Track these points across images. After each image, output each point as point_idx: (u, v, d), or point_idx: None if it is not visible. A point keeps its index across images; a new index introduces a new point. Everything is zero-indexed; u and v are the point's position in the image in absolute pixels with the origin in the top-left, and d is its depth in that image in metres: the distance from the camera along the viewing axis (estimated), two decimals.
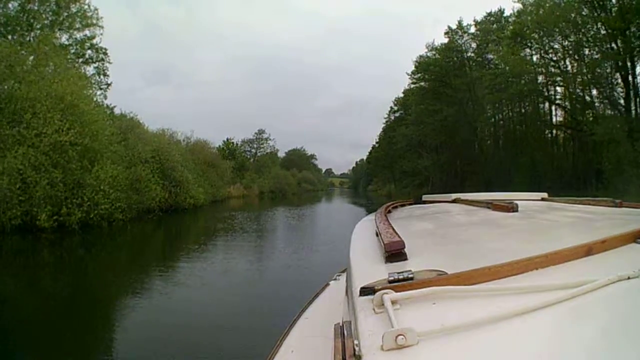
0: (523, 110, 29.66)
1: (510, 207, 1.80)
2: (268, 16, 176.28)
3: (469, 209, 2.20)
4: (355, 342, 0.69)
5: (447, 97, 30.79)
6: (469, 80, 30.10)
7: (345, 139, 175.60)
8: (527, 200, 2.39)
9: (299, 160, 78.13)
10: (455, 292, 0.77)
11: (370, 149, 64.08)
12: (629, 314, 0.72)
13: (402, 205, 2.74)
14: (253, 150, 63.10)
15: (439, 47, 33.79)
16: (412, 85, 36.10)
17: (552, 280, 0.80)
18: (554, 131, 27.92)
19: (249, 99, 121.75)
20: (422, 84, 34.22)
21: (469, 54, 32.40)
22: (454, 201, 2.65)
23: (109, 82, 24.68)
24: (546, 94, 25.74)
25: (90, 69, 24.18)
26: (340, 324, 0.86)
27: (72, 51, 24.04)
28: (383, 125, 51.88)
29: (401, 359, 0.61)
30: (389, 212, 2.21)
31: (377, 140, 57.41)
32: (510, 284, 0.80)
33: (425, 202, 2.96)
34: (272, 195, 50.39)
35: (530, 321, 0.67)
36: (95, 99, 19.83)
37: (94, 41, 24.25)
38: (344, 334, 0.78)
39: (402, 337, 0.62)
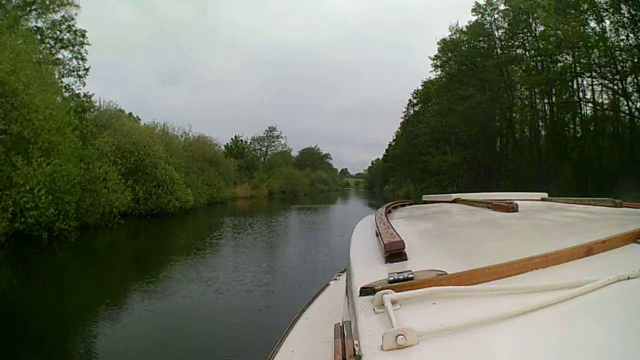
0: (561, 98, 25.32)
1: (510, 207, 1.78)
2: (282, 17, 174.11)
3: (469, 209, 2.19)
4: (355, 342, 0.67)
5: (479, 81, 26.39)
6: (501, 62, 25.85)
7: (360, 139, 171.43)
8: (527, 200, 2.38)
9: (312, 159, 74.81)
10: (455, 292, 0.77)
11: (387, 147, 60.68)
12: (629, 314, 0.72)
13: (402, 205, 2.72)
14: (264, 149, 59.72)
15: (465, 29, 29.74)
16: (435, 72, 31.83)
17: (552, 280, 0.80)
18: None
19: (262, 100, 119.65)
20: (448, 67, 29.82)
21: (500, 33, 28.14)
22: (454, 201, 2.62)
23: (87, 66, 21.73)
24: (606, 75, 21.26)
25: (67, 54, 21.42)
26: (340, 324, 0.83)
27: (50, 35, 21.49)
28: (401, 119, 48.16)
29: (401, 359, 0.60)
30: (389, 212, 2.19)
31: (394, 137, 54.07)
32: (510, 284, 0.80)
33: (425, 202, 2.97)
34: (282, 196, 47.20)
35: (530, 321, 0.67)
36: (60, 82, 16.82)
37: (71, 23, 21.36)
38: (344, 334, 0.76)
39: (402, 337, 0.62)
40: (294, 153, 67.63)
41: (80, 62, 21.59)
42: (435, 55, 30.53)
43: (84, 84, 21.28)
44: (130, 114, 35.37)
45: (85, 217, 13.37)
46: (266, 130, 58.81)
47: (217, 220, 19.05)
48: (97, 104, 20.48)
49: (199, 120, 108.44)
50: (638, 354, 0.59)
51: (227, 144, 48.52)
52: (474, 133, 26.92)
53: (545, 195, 2.62)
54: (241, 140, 52.32)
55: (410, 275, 0.82)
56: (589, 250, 0.95)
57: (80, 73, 21.48)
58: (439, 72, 31.05)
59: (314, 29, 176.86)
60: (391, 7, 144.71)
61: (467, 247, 1.26)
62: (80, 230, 13.27)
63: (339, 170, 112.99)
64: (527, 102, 25.95)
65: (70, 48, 21.41)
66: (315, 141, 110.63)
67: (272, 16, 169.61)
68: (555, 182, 20.32)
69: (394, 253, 1.06)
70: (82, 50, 21.70)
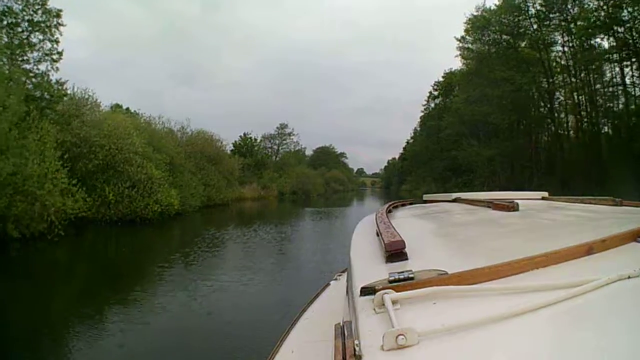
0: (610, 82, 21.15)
1: (511, 207, 1.78)
2: (295, 17, 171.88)
3: (470, 208, 2.19)
4: (356, 342, 0.67)
5: (516, 62, 22.24)
6: (539, 40, 21.83)
7: (376, 139, 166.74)
8: (528, 200, 2.38)
9: (327, 158, 71.76)
10: (455, 292, 0.76)
11: (405, 144, 57.18)
12: (629, 313, 0.71)
13: (403, 205, 2.71)
14: (275, 147, 56.59)
15: (494, 7, 25.87)
16: (461, 55, 27.89)
17: (553, 279, 0.79)
18: None
19: (275, 99, 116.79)
20: (477, 48, 25.70)
21: (535, 9, 24.05)
22: (455, 201, 2.65)
23: (60, 50, 19.07)
24: None
25: (40, 36, 18.82)
26: (341, 324, 0.82)
27: (24, 17, 19.09)
28: (421, 113, 44.58)
29: (402, 359, 0.60)
30: (390, 211, 2.14)
31: (412, 134, 50.65)
32: (511, 284, 0.79)
33: (426, 202, 2.97)
34: (293, 197, 44.04)
35: (531, 321, 0.67)
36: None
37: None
38: (345, 334, 0.75)
39: (402, 337, 0.61)
40: (308, 152, 64.82)
41: (55, 45, 19.01)
42: (461, 37, 26.76)
43: (57, 69, 18.63)
44: (128, 108, 33.13)
45: (22, 226, 10.56)
46: (277, 128, 55.82)
47: (199, 231, 15.53)
48: (71, 92, 17.98)
49: (211, 119, 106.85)
50: (638, 353, 0.59)
51: (236, 141, 45.89)
52: (509, 123, 22.88)
53: (545, 194, 2.63)
54: (250, 137, 49.40)
55: (411, 275, 0.81)
56: (589, 249, 0.94)
57: (54, 57, 18.91)
58: (466, 54, 27.08)
59: (328, 28, 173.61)
60: (403, 6, 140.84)
61: (467, 247, 1.26)
62: (19, 242, 10.57)
63: (355, 169, 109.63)
64: (571, 86, 21.89)
65: (44, 29, 18.91)
66: (330, 141, 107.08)
67: (286, 16, 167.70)
68: (615, 184, 16.40)
69: (395, 253, 1.05)
70: (57, 32, 19.10)
